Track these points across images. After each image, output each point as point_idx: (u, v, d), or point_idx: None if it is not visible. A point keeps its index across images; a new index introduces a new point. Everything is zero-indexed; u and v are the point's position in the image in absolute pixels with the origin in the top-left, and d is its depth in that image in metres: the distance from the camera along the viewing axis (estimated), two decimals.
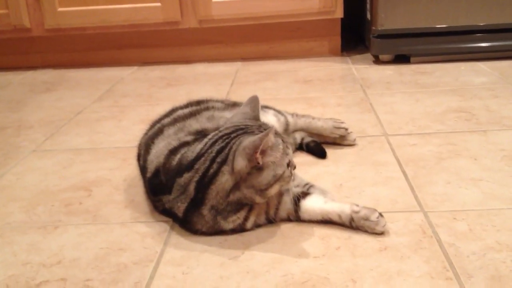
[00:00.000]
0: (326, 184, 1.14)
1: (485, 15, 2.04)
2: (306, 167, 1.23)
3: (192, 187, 0.93)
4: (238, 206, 0.94)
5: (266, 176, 0.91)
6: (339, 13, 2.26)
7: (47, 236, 1.00)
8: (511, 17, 2.03)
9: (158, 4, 2.26)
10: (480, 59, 2.08)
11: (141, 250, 0.94)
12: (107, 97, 1.92)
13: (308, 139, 1.33)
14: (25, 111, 1.81)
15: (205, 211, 0.93)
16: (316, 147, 1.31)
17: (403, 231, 0.95)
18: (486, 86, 1.76)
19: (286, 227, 0.99)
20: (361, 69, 2.10)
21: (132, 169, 1.28)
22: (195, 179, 0.92)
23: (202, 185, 0.92)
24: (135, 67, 2.34)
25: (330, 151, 1.30)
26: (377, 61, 2.19)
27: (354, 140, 1.34)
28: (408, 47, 2.11)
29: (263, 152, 0.90)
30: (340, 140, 1.34)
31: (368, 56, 2.26)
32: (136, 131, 1.52)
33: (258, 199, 0.93)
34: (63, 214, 1.08)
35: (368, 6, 2.19)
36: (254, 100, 1.04)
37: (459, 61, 2.08)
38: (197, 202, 0.93)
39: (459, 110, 1.54)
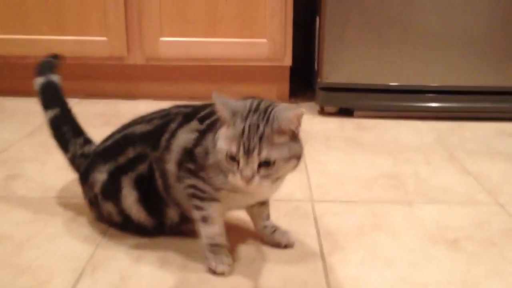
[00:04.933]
0: (239, 256, 1.10)
1: (433, 76, 2.06)
2: None
3: None
4: None
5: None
6: (288, 61, 2.26)
7: None
8: (454, 79, 2.06)
9: (105, 38, 2.21)
10: (422, 118, 2.10)
11: None
12: (38, 133, 1.85)
13: None
14: None
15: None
16: None
17: None
18: (421, 150, 1.76)
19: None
20: (305, 119, 2.03)
21: (41, 225, 1.21)
22: None
23: None
24: (77, 100, 2.27)
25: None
26: (322, 111, 2.18)
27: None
28: (351, 101, 2.11)
29: None
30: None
31: (315, 105, 2.25)
32: (56, 179, 1.46)
33: None
34: None
35: (316, 57, 2.19)
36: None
37: (401, 119, 2.09)
38: None
39: (389, 176, 1.53)
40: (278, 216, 1.28)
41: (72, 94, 2.32)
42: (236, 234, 1.18)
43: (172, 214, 1.14)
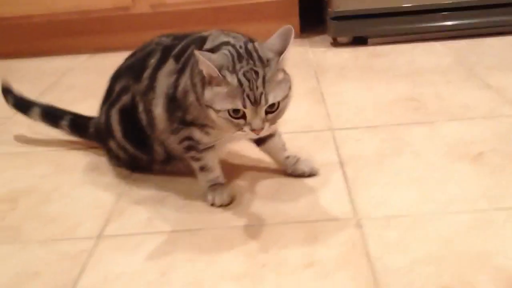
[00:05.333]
0: (261, 189, 1.10)
1: None
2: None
3: None
4: None
5: None
6: None
7: None
8: None
9: None
10: (438, 39, 2.03)
11: (57, 274, 0.89)
12: (52, 91, 1.84)
13: None
14: None
15: None
16: None
17: (333, 242, 0.91)
18: (440, 70, 1.71)
19: (213, 242, 0.94)
20: (318, 52, 2.04)
21: (65, 176, 1.22)
22: None
23: None
24: (86, 56, 2.25)
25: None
26: (335, 43, 2.13)
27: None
28: (364, 28, 2.05)
29: None
30: None
31: (327, 37, 2.20)
32: None
33: None
34: None
35: None
36: (287, 33, 0.94)
37: (417, 42, 2.03)
38: None
39: (409, 98, 1.50)
40: (299, 147, 1.27)
41: (80, 51, 2.31)
42: (255, 173, 1.18)
43: (159, 151, 1.14)
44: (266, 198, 1.07)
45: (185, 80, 1.02)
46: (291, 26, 0.93)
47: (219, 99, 0.91)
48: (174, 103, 1.04)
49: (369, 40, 2.07)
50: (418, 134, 1.28)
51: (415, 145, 1.23)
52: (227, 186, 1.08)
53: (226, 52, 0.93)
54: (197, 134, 1.04)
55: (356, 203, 1.03)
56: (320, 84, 1.69)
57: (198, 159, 1.07)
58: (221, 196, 1.05)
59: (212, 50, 0.95)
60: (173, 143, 1.09)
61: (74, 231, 1.01)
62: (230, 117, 0.91)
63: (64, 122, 1.33)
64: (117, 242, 0.96)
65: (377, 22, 2.03)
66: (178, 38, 1.13)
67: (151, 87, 1.09)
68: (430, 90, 1.55)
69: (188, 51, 1.05)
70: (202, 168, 1.08)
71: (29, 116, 1.37)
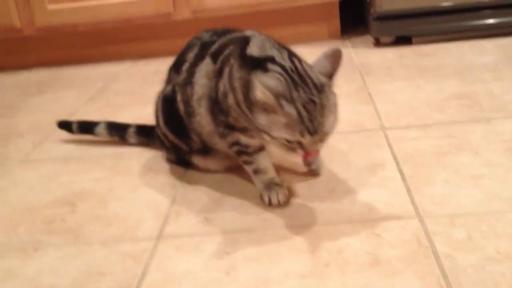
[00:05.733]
0: (317, 188, 1.09)
1: None
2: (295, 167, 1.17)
3: None
4: None
5: None
6: None
7: (26, 260, 0.96)
8: None
9: None
10: (485, 37, 1.99)
11: (121, 274, 0.90)
12: (100, 96, 1.87)
13: None
14: (16, 116, 1.78)
15: None
16: None
17: (397, 241, 0.90)
18: (490, 67, 1.67)
19: (273, 241, 0.94)
20: (361, 53, 2.02)
21: (119, 179, 1.23)
22: None
23: None
24: (130, 62, 2.29)
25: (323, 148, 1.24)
26: (378, 43, 2.10)
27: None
28: (409, 28, 2.02)
29: None
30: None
31: (369, 38, 2.18)
32: None
33: None
34: (44, 234, 1.04)
35: None
36: (336, 55, 0.95)
37: (463, 40, 1.99)
38: None
39: (461, 97, 1.47)
40: (351, 147, 1.25)
41: (124, 57, 2.34)
42: (308, 172, 1.17)
43: (195, 139, 1.15)
44: (323, 197, 1.05)
45: (224, 83, 1.02)
46: (340, 49, 0.94)
47: (276, 128, 0.90)
48: (217, 105, 1.05)
49: (414, 40, 2.04)
50: (474, 132, 1.25)
51: (472, 143, 1.20)
52: (283, 186, 1.07)
53: (279, 76, 0.90)
54: (242, 138, 1.04)
55: (417, 201, 1.00)
56: (366, 84, 1.67)
57: (250, 162, 1.07)
58: (277, 196, 1.05)
59: (258, 63, 0.94)
60: (225, 148, 1.10)
61: (134, 232, 1.01)
62: (286, 143, 0.91)
63: (131, 129, 1.38)
64: (177, 242, 0.96)
65: (421, 21, 2.00)
66: (217, 33, 1.14)
67: (189, 81, 1.10)
68: (481, 87, 1.52)
69: (227, 51, 1.04)
70: (256, 171, 1.07)
71: (96, 135, 1.42)
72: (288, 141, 0.91)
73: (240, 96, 0.97)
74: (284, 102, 0.87)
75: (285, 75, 0.90)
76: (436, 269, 0.82)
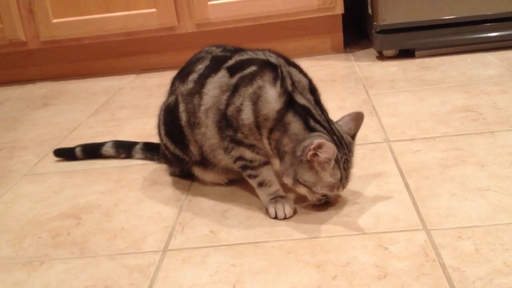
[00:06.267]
0: None
1: (492, 3, 1.95)
2: None
3: None
4: None
5: None
6: (340, 9, 2.19)
7: (32, 274, 0.96)
8: None
9: (154, 10, 2.21)
10: (488, 50, 2.00)
11: (127, 287, 0.89)
12: (104, 110, 1.88)
13: None
14: (20, 129, 1.78)
15: None
16: None
17: (404, 254, 0.89)
18: (494, 80, 1.68)
19: (280, 254, 0.93)
20: (364, 66, 2.03)
21: (124, 192, 1.23)
22: None
23: None
24: (133, 75, 2.30)
25: None
26: (381, 56, 2.11)
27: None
28: (411, 41, 2.03)
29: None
30: None
31: (372, 51, 2.19)
32: None
33: None
34: (50, 247, 1.04)
35: (369, 0, 2.11)
36: (360, 118, 1.06)
37: (466, 53, 2.00)
38: None
39: (465, 109, 1.47)
40: (356, 160, 1.25)
41: (127, 71, 2.36)
42: None
43: (194, 151, 1.14)
44: (329, 210, 1.05)
45: (240, 100, 1.02)
46: (363, 112, 1.05)
47: (321, 186, 0.99)
48: (225, 121, 1.05)
49: (417, 53, 2.05)
50: (479, 144, 1.25)
51: (477, 155, 1.20)
52: (288, 199, 1.07)
53: (325, 135, 0.98)
54: (247, 153, 1.05)
55: (423, 214, 1.00)
56: (370, 97, 1.68)
57: (255, 176, 1.07)
58: (283, 209, 1.05)
59: (291, 103, 1.00)
60: (229, 163, 1.10)
61: (140, 245, 1.01)
62: (317, 193, 1.01)
63: (138, 146, 1.38)
64: (183, 255, 0.96)
65: (424, 34, 2.01)
66: (227, 50, 1.14)
67: (197, 91, 1.10)
68: (486, 100, 1.52)
69: (249, 70, 1.04)
70: (261, 184, 1.08)
71: (103, 155, 1.42)
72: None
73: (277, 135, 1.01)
74: (335, 165, 0.97)
75: (327, 135, 0.99)
76: (445, 282, 0.81)
